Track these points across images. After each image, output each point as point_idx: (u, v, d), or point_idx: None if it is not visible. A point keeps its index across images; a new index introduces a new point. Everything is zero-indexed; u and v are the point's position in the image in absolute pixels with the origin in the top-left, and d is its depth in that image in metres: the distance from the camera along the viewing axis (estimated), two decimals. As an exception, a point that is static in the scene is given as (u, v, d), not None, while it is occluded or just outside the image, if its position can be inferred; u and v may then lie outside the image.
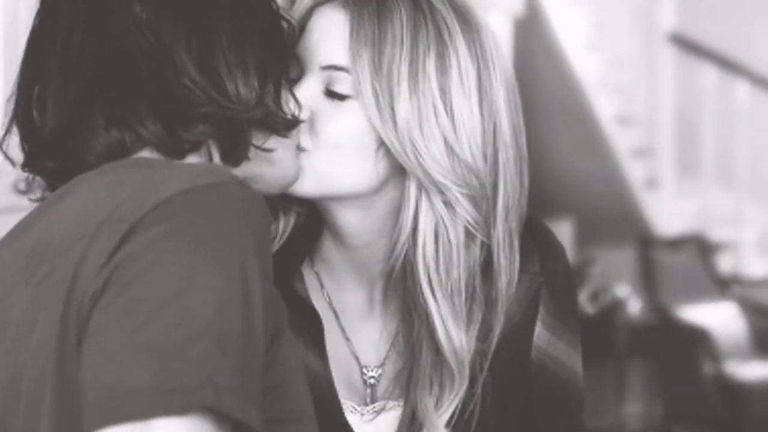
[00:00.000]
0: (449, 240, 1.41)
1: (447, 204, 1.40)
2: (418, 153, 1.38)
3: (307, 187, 1.40)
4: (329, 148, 1.39)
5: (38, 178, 1.27)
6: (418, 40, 1.38)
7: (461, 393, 1.44)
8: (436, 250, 1.41)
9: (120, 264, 1.07)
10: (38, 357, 1.11)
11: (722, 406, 5.82)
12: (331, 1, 1.41)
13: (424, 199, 1.40)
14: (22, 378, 1.13)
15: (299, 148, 1.37)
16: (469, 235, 1.42)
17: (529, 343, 1.50)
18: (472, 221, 1.41)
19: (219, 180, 1.12)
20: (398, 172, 1.42)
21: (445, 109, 1.39)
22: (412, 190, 1.41)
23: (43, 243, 1.16)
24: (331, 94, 1.40)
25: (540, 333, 1.51)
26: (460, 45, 1.40)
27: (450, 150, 1.39)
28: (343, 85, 1.39)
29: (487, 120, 1.41)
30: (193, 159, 1.23)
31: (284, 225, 1.48)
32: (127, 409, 1.01)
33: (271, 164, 1.30)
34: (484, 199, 1.42)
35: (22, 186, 1.28)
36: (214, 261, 1.07)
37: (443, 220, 1.41)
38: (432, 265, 1.42)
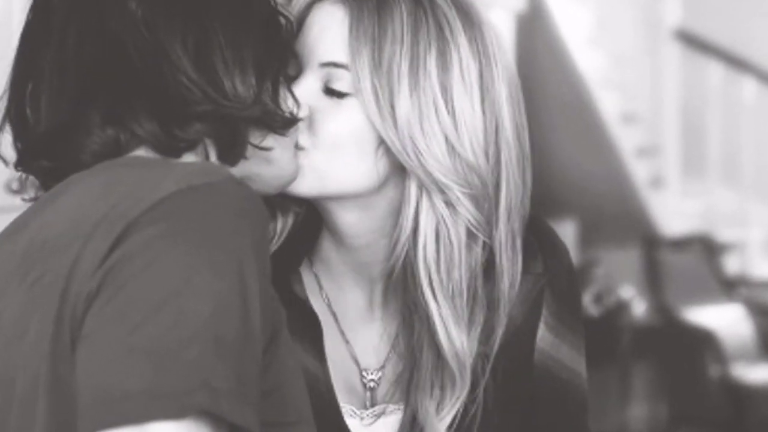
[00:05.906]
0: (450, 240, 1.41)
1: (448, 204, 1.40)
2: (419, 152, 1.38)
3: (305, 186, 1.40)
4: (328, 147, 1.40)
5: (31, 178, 1.27)
6: (419, 36, 1.38)
7: (463, 396, 1.45)
8: (437, 250, 1.41)
9: (115, 265, 1.07)
10: (32, 359, 1.12)
11: (728, 408, 5.87)
12: None
13: (425, 198, 1.41)
14: (16, 380, 1.13)
15: (297, 147, 1.38)
16: (470, 235, 1.42)
17: (532, 345, 1.50)
18: (473, 221, 1.41)
19: (216, 179, 1.12)
20: (398, 171, 1.42)
21: (447, 106, 1.39)
22: (412, 189, 1.41)
23: (37, 244, 1.16)
24: (330, 91, 1.40)
25: (543, 335, 1.51)
26: (461, 41, 1.40)
27: (451, 148, 1.39)
28: (342, 83, 1.39)
29: (489, 118, 1.41)
30: (189, 158, 1.22)
31: (282, 225, 1.47)
32: (123, 412, 1.02)
33: (269, 163, 1.30)
34: (486, 199, 1.42)
35: (15, 185, 1.28)
36: (211, 261, 1.07)
37: (444, 220, 1.41)
38: (433, 266, 1.42)
